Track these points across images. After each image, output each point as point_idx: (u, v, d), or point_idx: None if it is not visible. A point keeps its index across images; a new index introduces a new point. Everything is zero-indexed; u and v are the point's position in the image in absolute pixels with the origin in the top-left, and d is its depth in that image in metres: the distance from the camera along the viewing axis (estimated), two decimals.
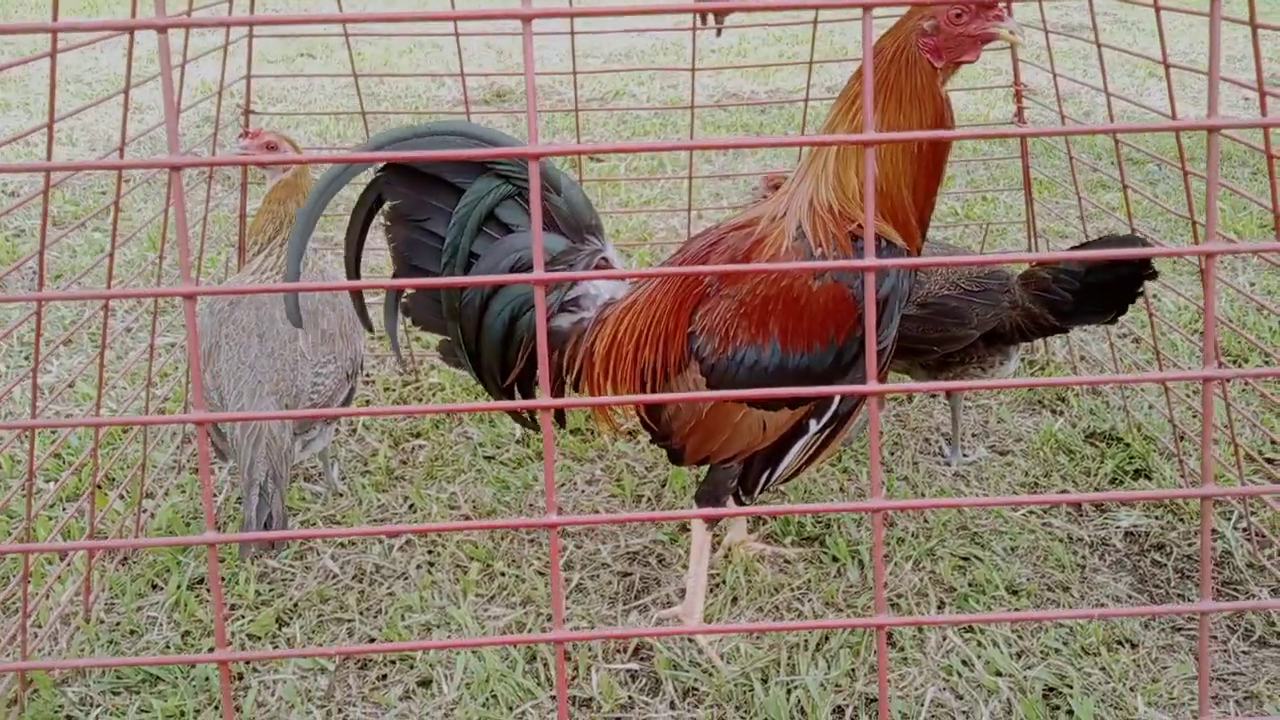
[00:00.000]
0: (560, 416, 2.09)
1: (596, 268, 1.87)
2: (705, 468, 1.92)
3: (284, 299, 1.91)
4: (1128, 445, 2.51)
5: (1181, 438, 2.43)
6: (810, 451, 1.83)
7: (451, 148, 1.77)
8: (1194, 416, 2.55)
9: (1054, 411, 2.70)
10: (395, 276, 1.95)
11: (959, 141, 5.07)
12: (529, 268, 1.85)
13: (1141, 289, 2.10)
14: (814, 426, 1.79)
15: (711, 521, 1.93)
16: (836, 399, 1.78)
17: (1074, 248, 2.24)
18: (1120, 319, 2.21)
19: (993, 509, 2.28)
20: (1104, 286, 2.11)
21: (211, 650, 1.94)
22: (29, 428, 1.74)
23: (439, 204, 1.86)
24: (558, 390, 1.91)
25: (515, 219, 1.86)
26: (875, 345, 0.82)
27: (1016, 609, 2.00)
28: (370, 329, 2.05)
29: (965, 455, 2.47)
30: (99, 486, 2.30)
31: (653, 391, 1.83)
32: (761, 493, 1.89)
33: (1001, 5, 1.60)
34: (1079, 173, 2.69)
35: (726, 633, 0.94)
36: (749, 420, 1.79)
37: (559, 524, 0.85)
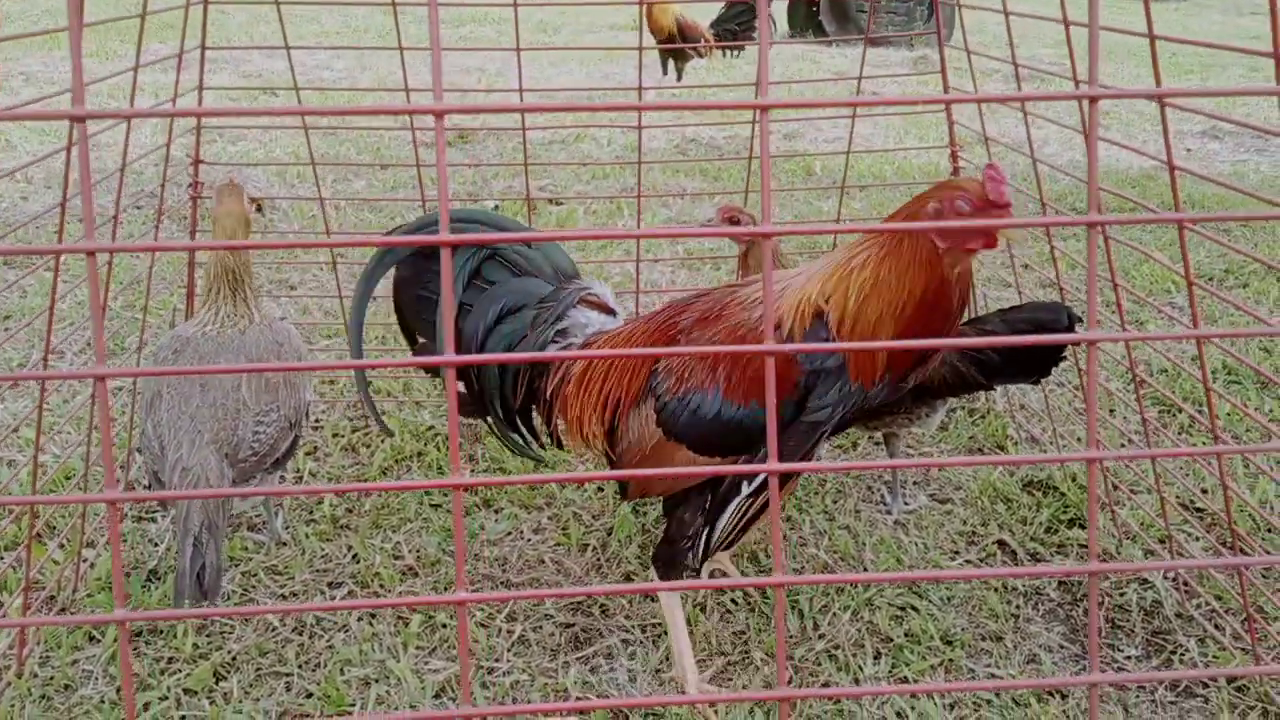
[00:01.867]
0: (558, 441, 2.17)
1: (581, 302, 2.05)
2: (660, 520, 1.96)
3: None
4: (1063, 494, 2.58)
5: (1114, 487, 2.50)
6: (745, 516, 1.86)
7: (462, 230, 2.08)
8: (1125, 467, 2.62)
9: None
10: (403, 330, 2.22)
11: (911, 187, 5.18)
12: (513, 312, 2.06)
13: (1065, 356, 2.17)
14: (745, 489, 1.82)
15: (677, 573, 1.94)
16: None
17: (1002, 311, 2.30)
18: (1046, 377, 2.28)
19: (931, 560, 2.33)
20: (1028, 352, 2.18)
21: (150, 707, 1.92)
22: None
23: (435, 269, 2.10)
24: (545, 414, 2.08)
25: (496, 276, 2.10)
26: (774, 421, 0.85)
27: (950, 659, 2.03)
28: (387, 431, 2.40)
29: (906, 504, 2.52)
30: (38, 536, 2.27)
31: (614, 419, 1.91)
32: (703, 560, 1.91)
33: (1010, 203, 1.63)
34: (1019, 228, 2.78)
35: (640, 705, 0.95)
36: (682, 459, 1.84)
37: (469, 600, 0.88)
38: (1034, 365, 2.20)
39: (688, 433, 1.81)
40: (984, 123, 2.61)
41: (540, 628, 2.15)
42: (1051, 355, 2.17)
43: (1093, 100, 0.89)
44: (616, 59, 9.58)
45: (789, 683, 1.98)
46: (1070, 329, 2.14)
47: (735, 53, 7.88)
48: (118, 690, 1.96)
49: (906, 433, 2.50)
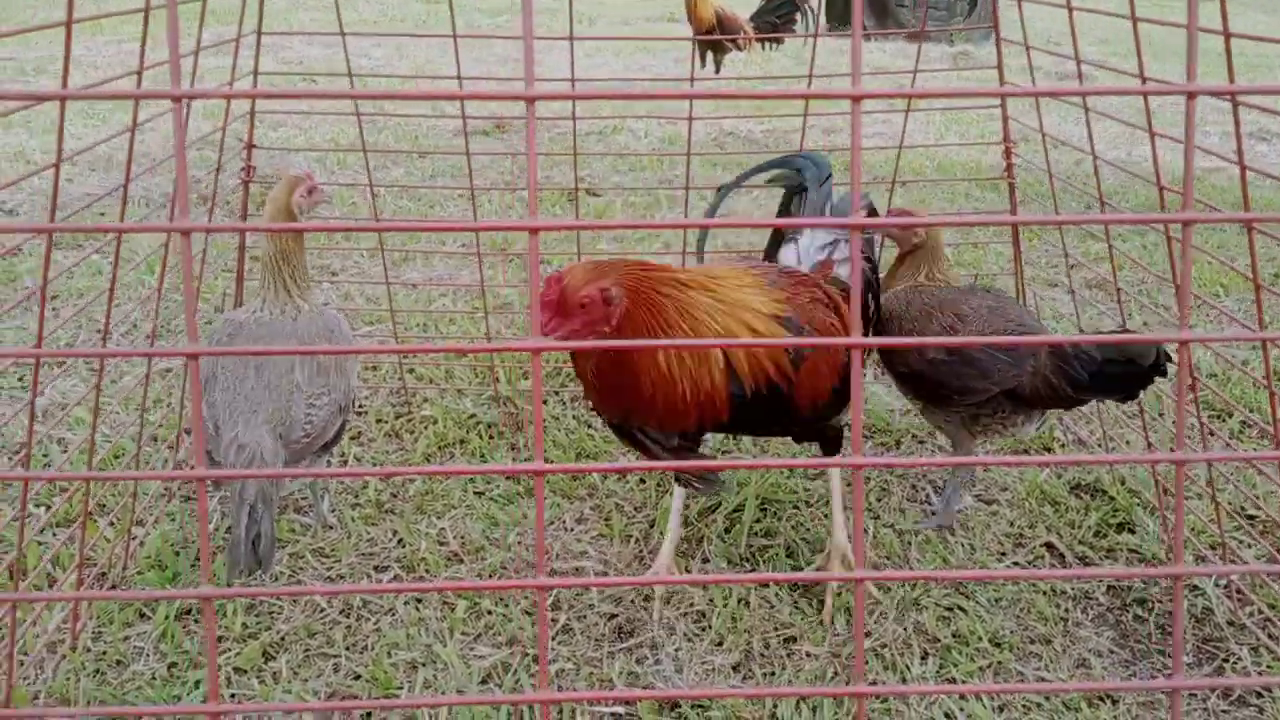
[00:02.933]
0: None
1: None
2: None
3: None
4: (1112, 498, 2.54)
5: (1166, 492, 2.46)
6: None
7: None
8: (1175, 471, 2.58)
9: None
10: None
11: (954, 184, 5.14)
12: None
13: (1153, 382, 2.13)
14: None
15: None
16: None
17: (1101, 333, 2.25)
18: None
19: (979, 561, 2.31)
20: (1118, 376, 2.14)
21: (200, 684, 1.94)
22: (23, 479, 1.76)
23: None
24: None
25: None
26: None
27: (999, 662, 2.02)
28: None
29: (951, 506, 2.49)
30: (90, 514, 2.31)
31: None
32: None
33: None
34: (1068, 226, 2.74)
35: (717, 697, 0.95)
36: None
37: (548, 585, 0.88)
38: (1123, 386, 2.16)
39: None
40: (1041, 118, 2.58)
41: (584, 617, 2.15)
42: (1142, 378, 2.12)
43: (1190, 96, 0.88)
44: (652, 51, 9.55)
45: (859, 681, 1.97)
46: (1159, 368, 2.09)
47: (774, 45, 7.83)
48: (169, 667, 1.99)
49: (997, 437, 2.43)
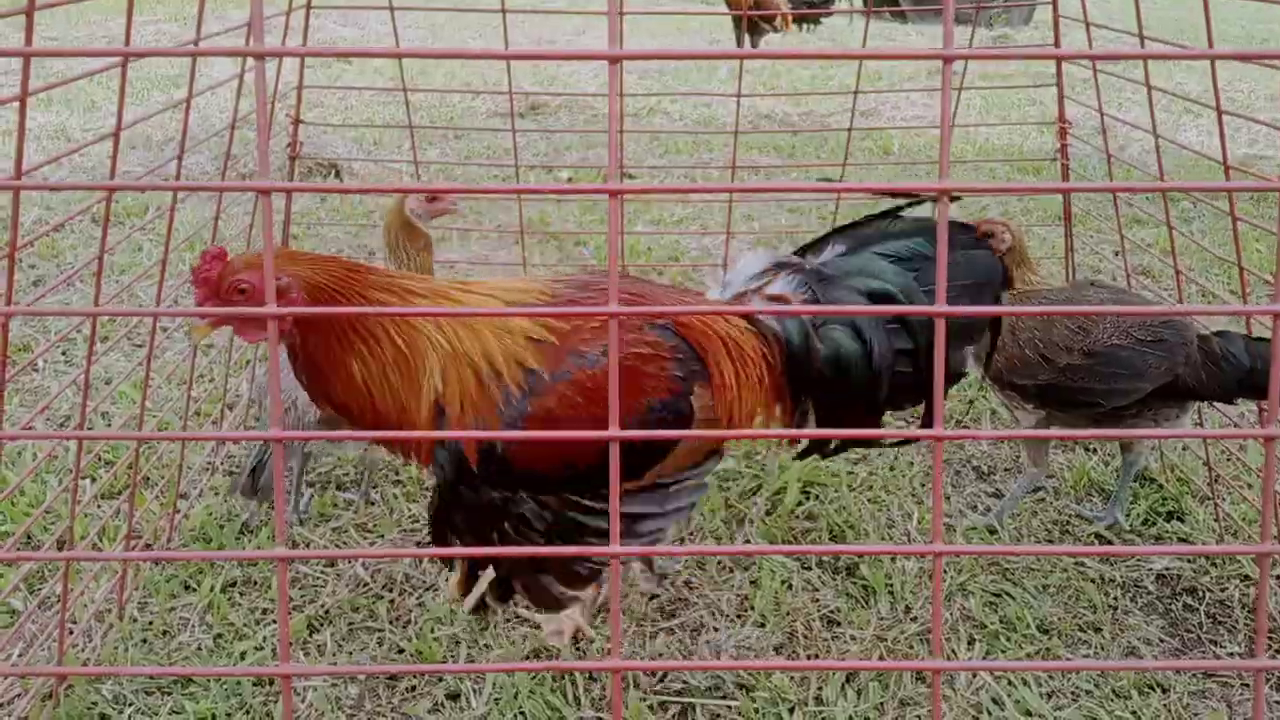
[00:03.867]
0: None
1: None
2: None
3: None
4: (1160, 486, 2.50)
5: (1216, 480, 2.41)
6: None
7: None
8: (1228, 459, 2.53)
9: (1086, 449, 2.69)
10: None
11: (993, 168, 5.06)
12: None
13: None
14: None
15: None
16: None
17: (1247, 338, 2.16)
18: None
19: (1024, 545, 2.27)
20: (1264, 386, 2.07)
21: (246, 656, 1.96)
22: (78, 438, 1.77)
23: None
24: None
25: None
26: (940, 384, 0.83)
27: (1047, 648, 1.99)
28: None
29: (1117, 517, 2.37)
30: (137, 486, 2.33)
31: None
32: None
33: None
34: (1105, 208, 2.69)
35: (767, 668, 0.94)
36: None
37: (621, 553, 0.86)
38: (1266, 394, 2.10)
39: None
40: (1099, 89, 2.52)
41: (626, 595, 2.14)
42: None
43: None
44: (686, 31, 9.49)
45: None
46: None
47: (810, 26, 7.75)
48: (215, 638, 2.00)
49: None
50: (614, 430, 0.86)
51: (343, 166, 4.64)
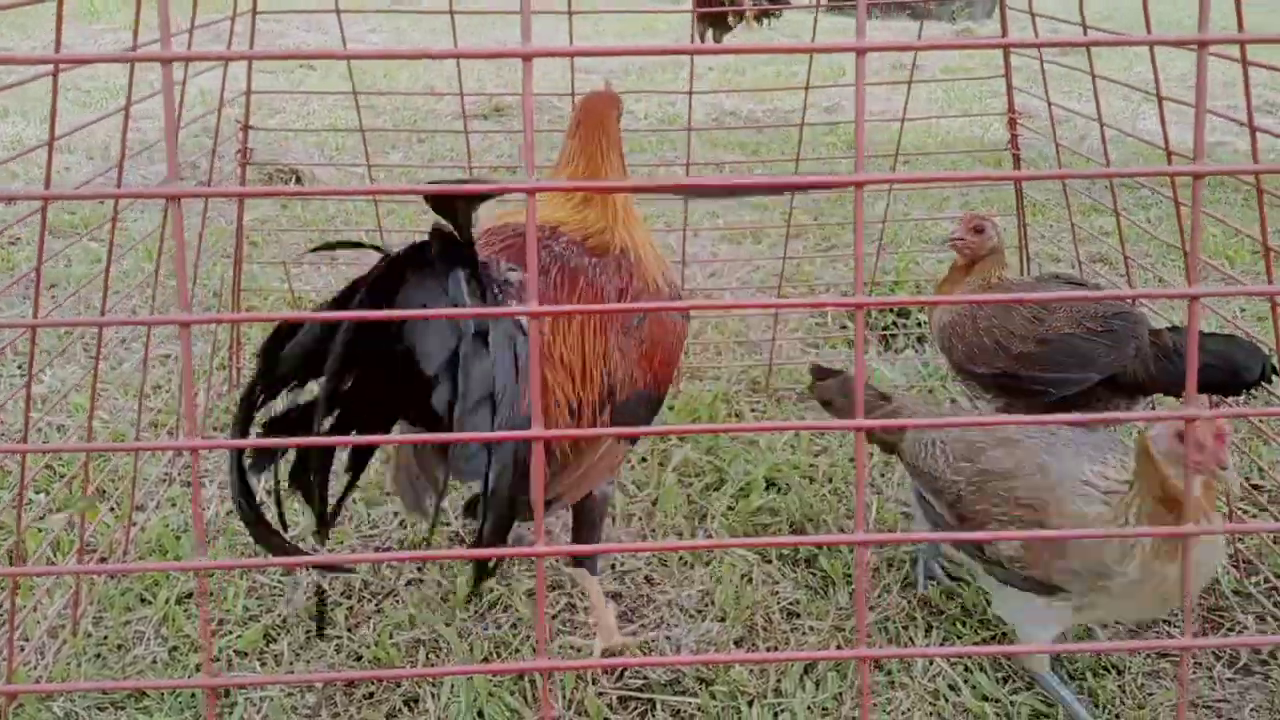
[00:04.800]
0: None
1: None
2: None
3: None
4: None
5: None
6: None
7: None
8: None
9: None
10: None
11: (954, 159, 5.10)
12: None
13: (1258, 383, 2.07)
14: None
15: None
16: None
17: (1203, 334, 2.17)
18: None
19: (949, 533, 2.29)
20: (1217, 381, 2.07)
21: (201, 668, 1.94)
22: (19, 450, 1.74)
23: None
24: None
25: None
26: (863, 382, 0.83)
27: (1003, 634, 2.01)
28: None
29: None
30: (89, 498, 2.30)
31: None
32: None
33: None
34: (1073, 196, 2.71)
35: (714, 661, 0.93)
36: (620, 448, 1.84)
37: (546, 553, 0.86)
38: (1221, 388, 2.10)
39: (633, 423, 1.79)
40: (1045, 81, 2.54)
41: (587, 595, 2.14)
42: (1241, 382, 2.06)
43: (1202, 45, 0.86)
44: (653, 32, 9.50)
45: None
46: (1265, 379, 2.02)
47: (770, 21, 7.75)
48: (170, 651, 1.98)
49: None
50: (538, 429, 0.86)
51: (304, 172, 4.60)
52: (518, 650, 1.99)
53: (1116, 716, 1.82)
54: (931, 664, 1.92)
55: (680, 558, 2.24)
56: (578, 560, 1.94)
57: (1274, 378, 2.01)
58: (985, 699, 1.84)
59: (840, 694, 1.85)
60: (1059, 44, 0.94)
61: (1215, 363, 2.06)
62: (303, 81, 7.00)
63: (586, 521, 1.93)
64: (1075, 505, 1.69)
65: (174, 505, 2.40)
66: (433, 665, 1.94)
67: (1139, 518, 1.59)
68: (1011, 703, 1.83)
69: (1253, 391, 2.10)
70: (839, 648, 1.98)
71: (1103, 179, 2.72)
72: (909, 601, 2.10)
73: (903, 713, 1.82)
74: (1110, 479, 1.68)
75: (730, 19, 7.58)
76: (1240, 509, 2.33)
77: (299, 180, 4.57)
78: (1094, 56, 2.38)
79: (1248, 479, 2.47)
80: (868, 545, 0.82)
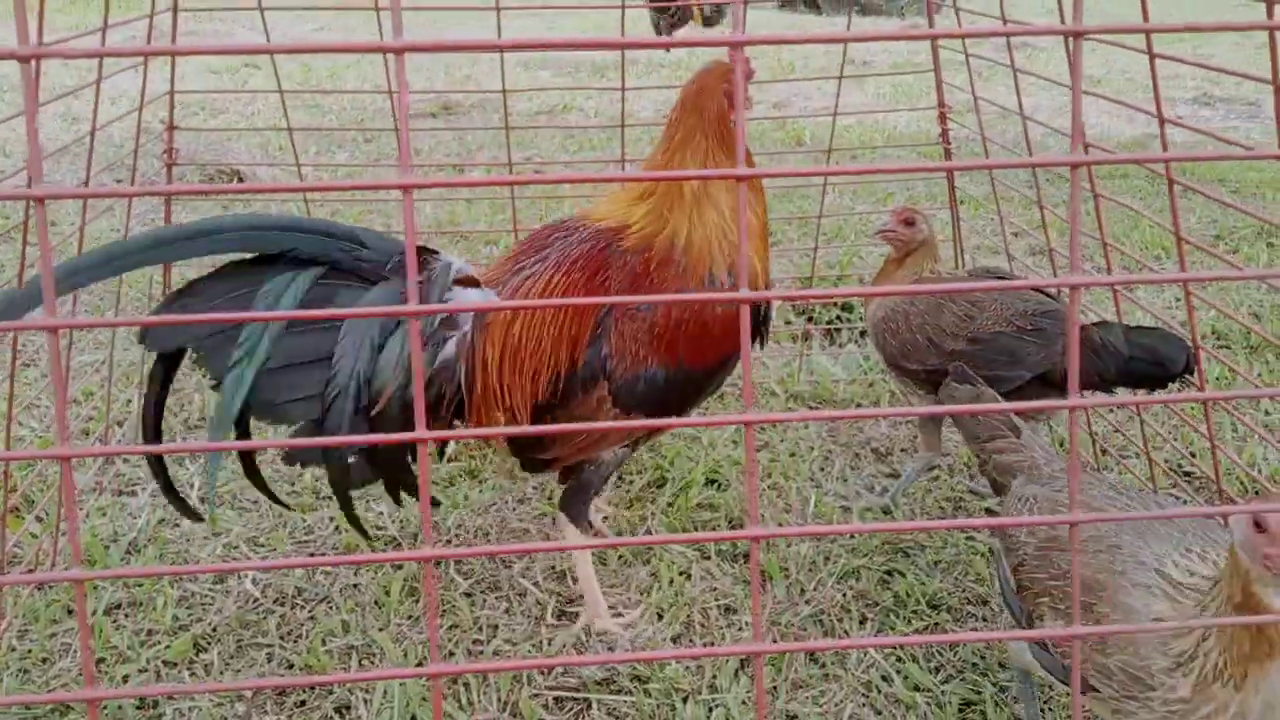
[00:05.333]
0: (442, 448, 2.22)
1: (456, 281, 1.80)
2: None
3: None
4: None
5: (1103, 452, 2.48)
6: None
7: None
8: (1115, 431, 2.61)
9: None
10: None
11: (899, 153, 5.15)
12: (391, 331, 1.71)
13: (1183, 375, 2.10)
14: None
15: (584, 523, 2.03)
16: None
17: (1128, 328, 2.18)
18: None
19: (849, 524, 2.32)
20: (1144, 374, 2.11)
21: (129, 679, 1.90)
22: None
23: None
24: (448, 418, 1.89)
25: (339, 298, 1.67)
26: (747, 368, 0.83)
27: (936, 623, 2.03)
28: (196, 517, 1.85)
29: (899, 491, 2.42)
30: (15, 509, 2.24)
31: (554, 403, 1.87)
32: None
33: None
34: (1009, 190, 2.75)
35: (647, 659, 0.92)
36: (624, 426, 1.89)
37: (434, 556, 0.85)
38: (1149, 381, 2.13)
39: (644, 403, 1.86)
40: (971, 76, 2.57)
41: (525, 595, 2.13)
42: (1168, 374, 2.10)
43: (1076, 35, 0.86)
44: (603, 29, 9.47)
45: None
46: (1189, 370, 2.07)
47: (715, 10, 7.77)
48: (97, 663, 1.94)
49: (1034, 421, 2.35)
50: (421, 431, 0.85)
51: (245, 172, 4.54)
52: (455, 655, 1.97)
53: (1046, 703, 1.84)
54: (866, 655, 1.93)
55: (619, 555, 2.23)
56: (563, 507, 2.02)
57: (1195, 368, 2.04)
58: (917, 689, 1.86)
59: (775, 687, 1.85)
60: (980, 34, 0.95)
61: (1142, 355, 2.10)
62: (247, 81, 6.90)
63: (577, 484, 2.00)
64: (1128, 596, 1.39)
65: (104, 514, 2.35)
66: (365, 670, 1.92)
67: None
68: (942, 692, 1.85)
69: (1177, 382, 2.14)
70: (775, 640, 1.99)
71: (1038, 171, 2.76)
72: (845, 595, 2.11)
73: (835, 704, 1.83)
74: (1196, 574, 1.38)
75: (677, 12, 7.52)
76: (1172, 495, 2.37)
77: (240, 180, 4.50)
78: (1038, 54, 2.41)
79: (1180, 466, 2.51)
80: (759, 540, 0.82)
